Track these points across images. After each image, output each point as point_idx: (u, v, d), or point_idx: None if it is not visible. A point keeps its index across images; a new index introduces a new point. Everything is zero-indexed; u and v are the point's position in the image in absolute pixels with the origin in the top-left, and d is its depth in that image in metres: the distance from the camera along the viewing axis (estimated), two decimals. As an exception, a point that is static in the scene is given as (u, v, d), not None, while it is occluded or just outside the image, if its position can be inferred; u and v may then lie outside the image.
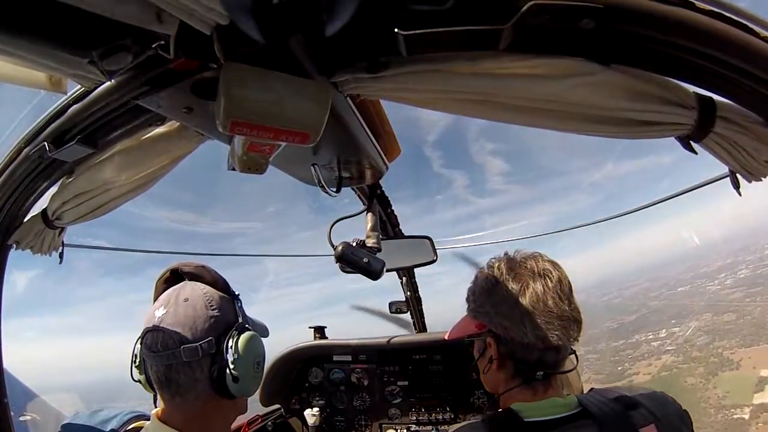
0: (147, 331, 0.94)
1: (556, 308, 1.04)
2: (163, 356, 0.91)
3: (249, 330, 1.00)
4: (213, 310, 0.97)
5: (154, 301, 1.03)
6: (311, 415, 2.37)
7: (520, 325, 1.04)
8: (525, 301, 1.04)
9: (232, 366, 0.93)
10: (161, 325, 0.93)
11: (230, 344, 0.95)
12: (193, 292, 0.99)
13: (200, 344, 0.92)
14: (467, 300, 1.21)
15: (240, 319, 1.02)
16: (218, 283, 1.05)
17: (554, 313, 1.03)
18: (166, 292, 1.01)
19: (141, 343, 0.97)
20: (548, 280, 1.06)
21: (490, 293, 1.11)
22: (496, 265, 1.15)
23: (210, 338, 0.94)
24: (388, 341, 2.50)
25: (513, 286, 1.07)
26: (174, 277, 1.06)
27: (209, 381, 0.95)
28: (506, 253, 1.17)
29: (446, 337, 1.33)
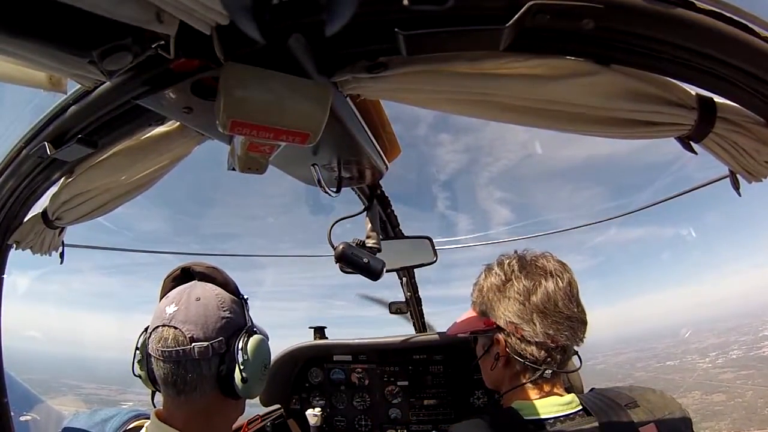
0: (157, 327, 0.94)
1: (566, 309, 1.04)
2: (173, 352, 0.91)
3: (257, 333, 1.00)
4: (225, 311, 0.98)
5: (161, 298, 1.03)
6: (312, 415, 2.37)
7: (531, 323, 1.04)
8: (536, 299, 1.04)
9: (242, 367, 0.93)
10: (172, 322, 0.93)
11: (240, 346, 0.95)
12: (205, 292, 0.99)
13: (212, 343, 0.92)
14: (473, 296, 1.20)
15: (249, 323, 1.02)
16: (229, 285, 1.06)
17: (564, 314, 1.03)
18: (177, 289, 1.01)
19: (147, 339, 0.97)
20: (559, 280, 1.06)
21: (500, 290, 1.10)
22: (507, 262, 1.14)
23: (221, 338, 0.94)
24: (389, 341, 2.50)
25: (525, 283, 1.07)
26: (183, 275, 1.06)
27: (216, 380, 0.95)
28: (516, 251, 1.17)
29: (448, 333, 1.30)
